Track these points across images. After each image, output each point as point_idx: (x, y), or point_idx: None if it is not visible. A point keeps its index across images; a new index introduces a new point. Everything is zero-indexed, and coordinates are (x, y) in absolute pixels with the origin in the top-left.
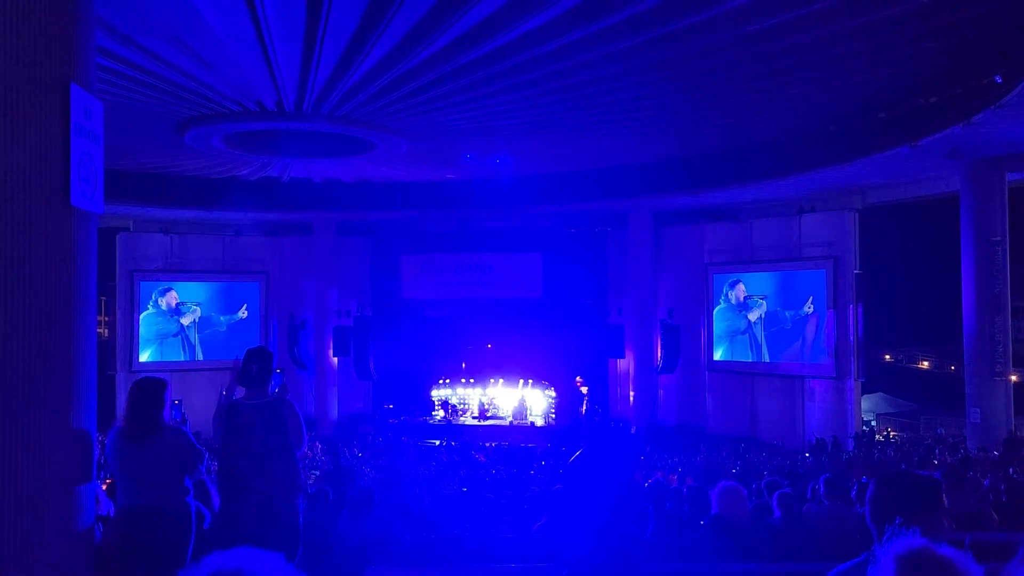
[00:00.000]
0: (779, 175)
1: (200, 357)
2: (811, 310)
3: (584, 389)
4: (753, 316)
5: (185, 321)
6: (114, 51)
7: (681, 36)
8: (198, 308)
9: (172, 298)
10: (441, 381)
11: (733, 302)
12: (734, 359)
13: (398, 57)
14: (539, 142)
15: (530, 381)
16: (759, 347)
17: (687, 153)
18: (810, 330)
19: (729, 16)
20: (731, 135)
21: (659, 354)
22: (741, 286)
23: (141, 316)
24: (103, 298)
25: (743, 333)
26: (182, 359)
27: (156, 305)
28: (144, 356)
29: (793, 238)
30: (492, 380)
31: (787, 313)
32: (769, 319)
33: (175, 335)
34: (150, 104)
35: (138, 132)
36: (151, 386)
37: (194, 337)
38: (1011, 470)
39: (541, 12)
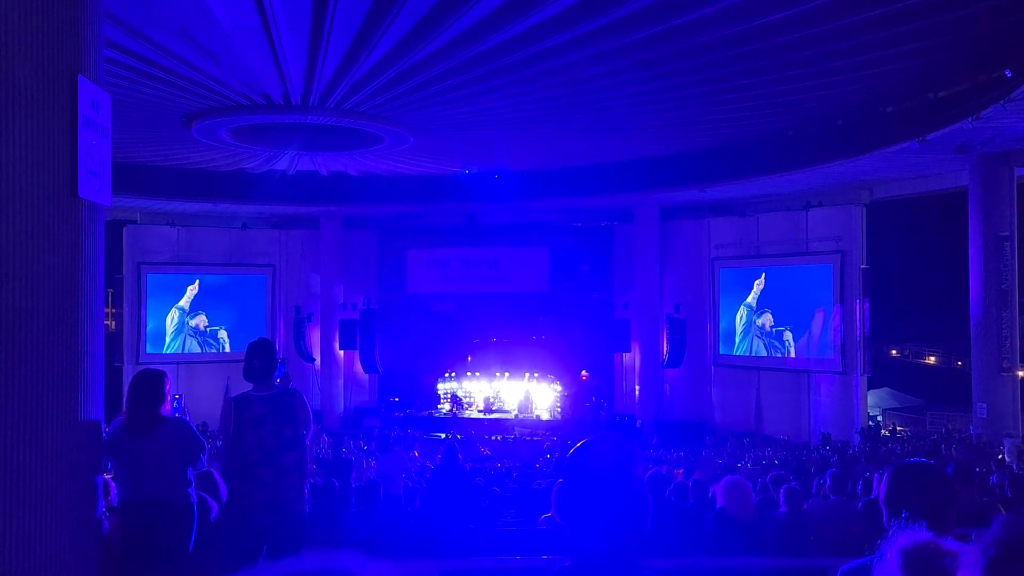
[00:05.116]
0: (786, 169)
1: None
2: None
3: (584, 382)
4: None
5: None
6: (121, 44)
7: (687, 31)
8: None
9: (201, 321)
10: (447, 374)
11: (754, 306)
12: (754, 354)
13: (404, 51)
14: (545, 136)
15: (536, 375)
16: (777, 347)
17: (693, 147)
18: (816, 325)
19: (735, 10)
20: (738, 129)
21: (665, 348)
22: (768, 315)
23: (166, 316)
24: (110, 290)
25: (760, 336)
26: (195, 351)
27: (180, 308)
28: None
29: (800, 233)
30: (498, 374)
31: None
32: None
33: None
34: (157, 97)
35: (145, 125)
36: (151, 379)
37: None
38: (1015, 467)
39: (547, 7)
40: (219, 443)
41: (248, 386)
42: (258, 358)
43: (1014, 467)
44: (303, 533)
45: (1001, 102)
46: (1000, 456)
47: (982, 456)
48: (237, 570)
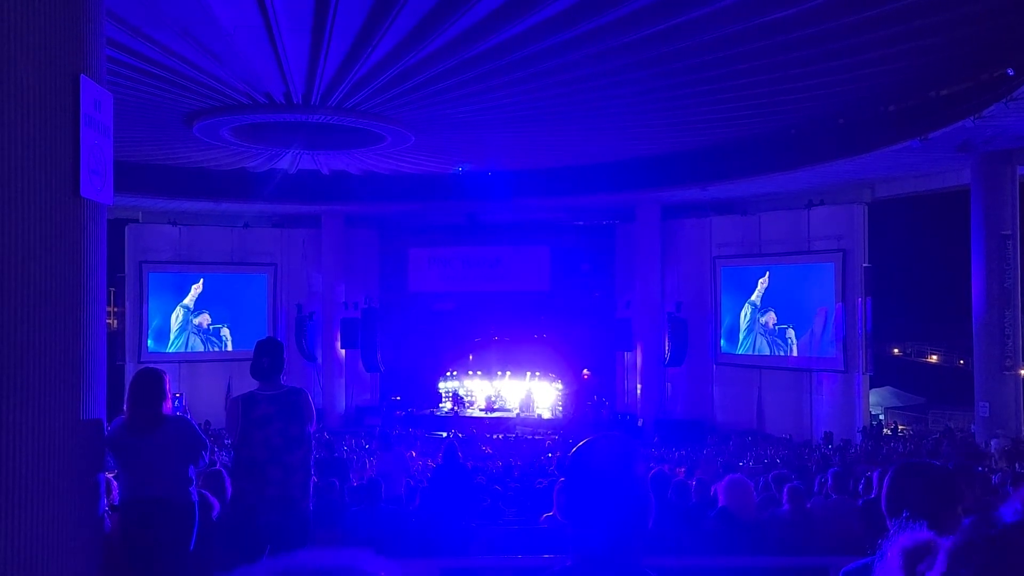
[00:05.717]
0: (788, 168)
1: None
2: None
3: (585, 381)
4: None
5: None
6: (123, 43)
7: (687, 30)
8: (224, 324)
9: (204, 320)
10: (448, 373)
11: (758, 304)
12: (757, 352)
13: (405, 50)
14: (546, 135)
15: (537, 373)
16: (780, 345)
17: (695, 146)
18: (818, 323)
19: (735, 10)
20: (739, 128)
21: (667, 347)
22: (772, 314)
23: (171, 314)
24: (112, 289)
25: (763, 334)
26: (198, 350)
27: (185, 307)
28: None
29: (802, 231)
30: (499, 372)
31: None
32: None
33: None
34: (159, 96)
35: (147, 124)
36: (152, 377)
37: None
38: (1017, 465)
39: (547, 7)
40: (227, 441)
41: (253, 384)
42: (267, 356)
43: (1016, 467)
44: (308, 531)
45: (1003, 101)
46: (992, 457)
47: (975, 455)
48: (240, 568)
